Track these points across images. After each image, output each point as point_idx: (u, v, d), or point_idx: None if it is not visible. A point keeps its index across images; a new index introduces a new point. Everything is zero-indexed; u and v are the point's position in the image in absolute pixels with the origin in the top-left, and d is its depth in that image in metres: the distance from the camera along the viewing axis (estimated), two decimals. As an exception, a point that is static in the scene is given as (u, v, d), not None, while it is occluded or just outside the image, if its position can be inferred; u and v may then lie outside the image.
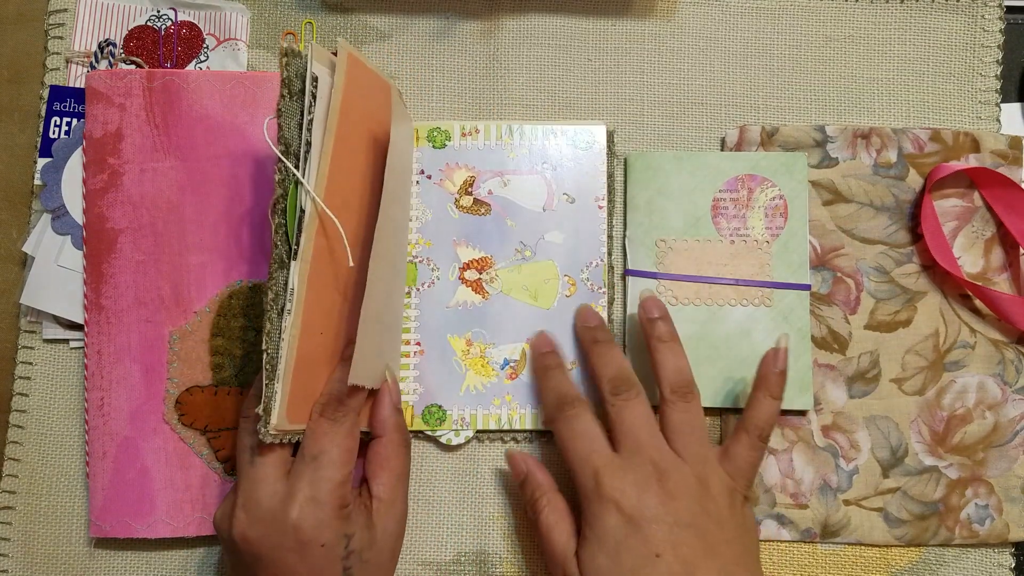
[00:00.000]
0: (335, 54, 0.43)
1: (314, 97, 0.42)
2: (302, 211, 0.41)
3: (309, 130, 0.41)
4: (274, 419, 0.40)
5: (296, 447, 0.43)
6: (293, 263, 0.41)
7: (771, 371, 0.45)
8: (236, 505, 0.42)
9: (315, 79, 0.42)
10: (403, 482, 0.45)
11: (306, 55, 0.42)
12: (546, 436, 0.50)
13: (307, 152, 0.41)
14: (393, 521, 0.44)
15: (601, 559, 0.41)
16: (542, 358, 0.48)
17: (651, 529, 0.40)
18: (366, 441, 0.46)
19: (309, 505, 0.40)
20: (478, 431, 0.50)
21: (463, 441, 0.50)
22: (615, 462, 0.42)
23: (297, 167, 0.41)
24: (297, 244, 0.41)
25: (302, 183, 0.41)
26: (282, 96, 0.41)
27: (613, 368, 0.45)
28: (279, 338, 0.41)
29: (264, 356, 0.40)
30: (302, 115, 0.42)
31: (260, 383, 0.41)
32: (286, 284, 0.41)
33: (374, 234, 0.43)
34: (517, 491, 0.49)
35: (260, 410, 0.40)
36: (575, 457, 0.43)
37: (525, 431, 0.50)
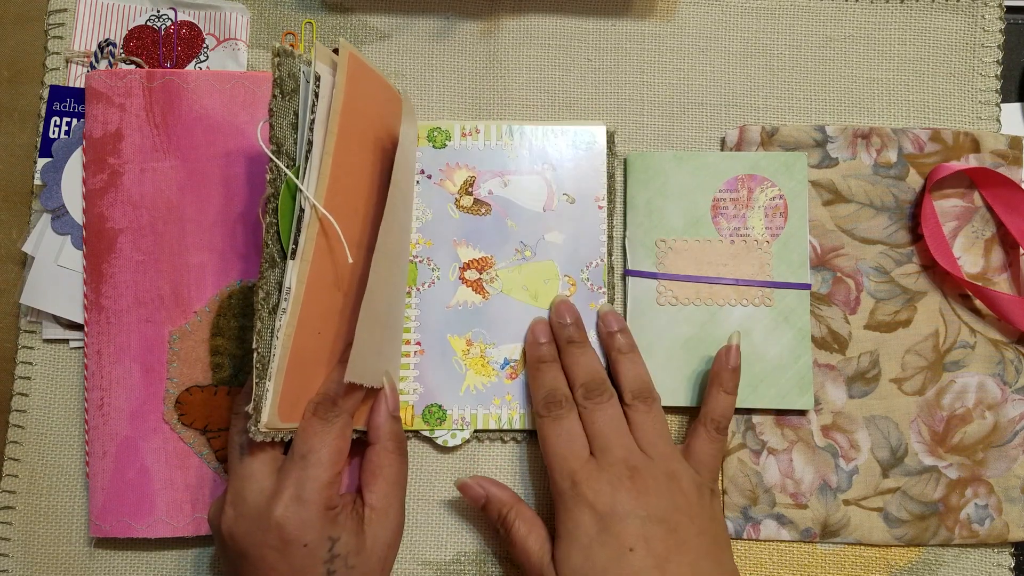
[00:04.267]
0: (336, 52, 0.43)
1: (316, 96, 0.42)
2: (301, 210, 0.41)
3: (311, 129, 0.41)
4: (265, 417, 0.40)
5: (289, 445, 0.43)
6: (290, 262, 0.41)
7: (724, 368, 0.47)
8: (226, 502, 0.42)
9: (318, 78, 0.42)
10: (397, 490, 0.45)
11: (299, 55, 0.42)
12: (546, 436, 0.50)
13: (308, 151, 0.41)
14: (385, 530, 0.43)
15: (575, 557, 0.41)
16: (537, 348, 0.48)
17: (624, 525, 0.41)
18: (363, 444, 0.46)
19: (294, 504, 0.40)
20: (477, 431, 0.50)
21: (459, 443, 0.50)
22: (591, 464, 0.44)
23: (292, 166, 0.41)
24: (295, 243, 0.41)
25: (296, 182, 0.41)
26: (274, 96, 0.41)
27: (587, 373, 0.46)
28: (271, 337, 0.41)
29: (255, 355, 0.40)
30: (295, 115, 0.42)
31: (251, 381, 0.41)
32: (279, 283, 0.41)
33: (378, 233, 0.43)
34: (515, 491, 0.49)
35: (250, 409, 0.40)
36: (555, 456, 0.44)
37: (524, 431, 0.50)
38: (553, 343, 0.49)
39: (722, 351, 0.47)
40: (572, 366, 0.47)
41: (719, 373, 0.47)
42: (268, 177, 0.41)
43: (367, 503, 0.43)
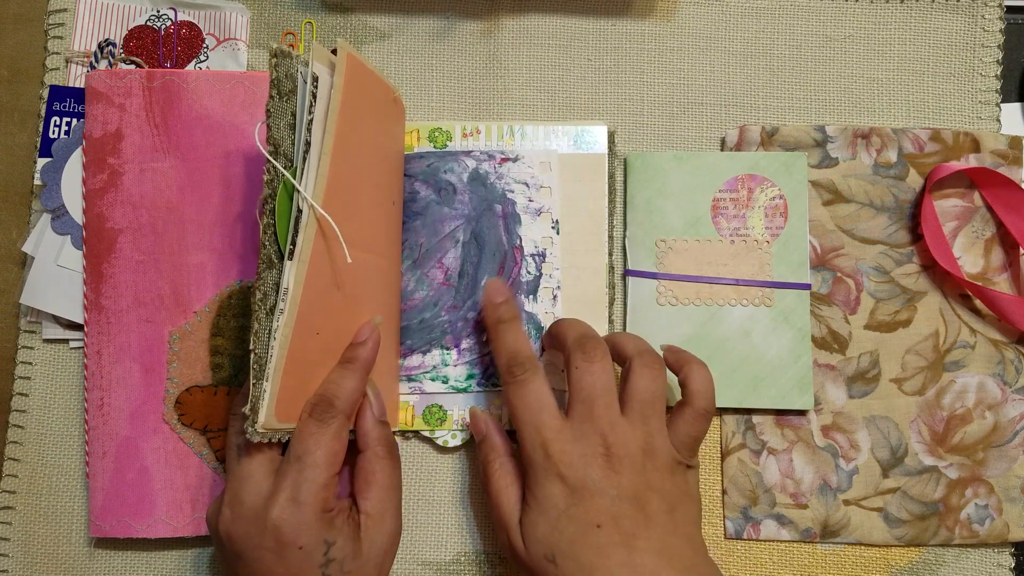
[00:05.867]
0: (335, 53, 0.43)
1: (314, 97, 0.42)
2: (299, 211, 0.41)
3: (308, 130, 0.41)
4: (262, 418, 0.40)
5: (287, 446, 0.43)
6: (288, 263, 0.41)
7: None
8: (224, 503, 0.42)
9: (316, 79, 0.42)
10: (391, 495, 0.44)
11: (296, 55, 0.42)
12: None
13: (306, 152, 0.41)
14: (382, 535, 0.43)
15: (542, 526, 0.41)
16: (495, 309, 0.46)
17: (593, 501, 0.41)
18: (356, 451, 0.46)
19: (290, 506, 0.40)
20: (478, 431, 0.50)
21: (460, 443, 0.50)
22: (564, 432, 0.42)
23: (290, 167, 0.41)
24: (292, 244, 0.41)
25: (293, 183, 0.41)
26: (271, 96, 0.41)
27: (578, 329, 0.45)
28: (268, 337, 0.41)
29: (252, 355, 0.40)
30: (293, 116, 0.42)
31: (249, 382, 0.41)
32: (276, 284, 0.41)
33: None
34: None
35: (247, 409, 0.40)
36: (523, 423, 0.43)
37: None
38: (511, 302, 0.47)
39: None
40: (565, 329, 0.45)
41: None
42: (265, 178, 0.41)
43: (362, 510, 0.43)
